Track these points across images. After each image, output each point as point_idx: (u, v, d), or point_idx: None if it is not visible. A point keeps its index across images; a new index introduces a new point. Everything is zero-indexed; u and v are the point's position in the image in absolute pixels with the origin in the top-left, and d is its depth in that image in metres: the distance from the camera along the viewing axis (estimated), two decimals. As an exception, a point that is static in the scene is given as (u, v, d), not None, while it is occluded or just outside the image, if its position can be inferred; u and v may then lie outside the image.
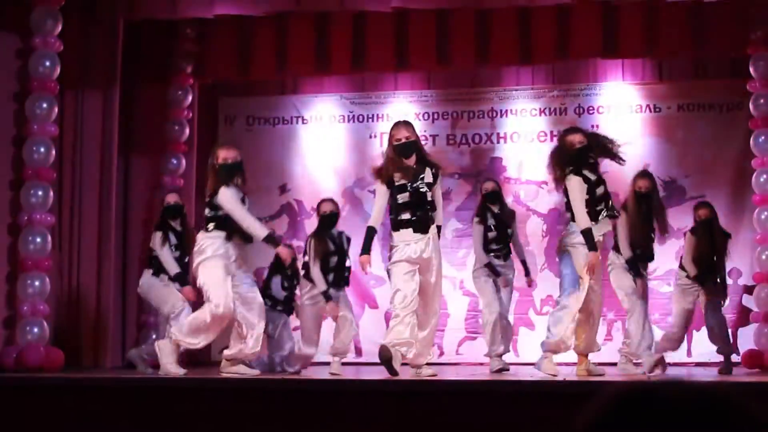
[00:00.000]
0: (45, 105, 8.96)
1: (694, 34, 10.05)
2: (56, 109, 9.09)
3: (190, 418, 5.60)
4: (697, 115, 11.29)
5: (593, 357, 8.85)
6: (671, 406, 1.41)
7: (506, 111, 11.78)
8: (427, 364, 8.03)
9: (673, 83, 11.45)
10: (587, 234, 7.85)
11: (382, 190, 7.78)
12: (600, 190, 8.24)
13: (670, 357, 10.95)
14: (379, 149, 11.91)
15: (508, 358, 11.24)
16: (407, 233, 7.66)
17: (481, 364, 11.11)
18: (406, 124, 8.00)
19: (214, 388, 6.08)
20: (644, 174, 9.28)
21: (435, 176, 7.83)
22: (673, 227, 11.21)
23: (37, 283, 8.76)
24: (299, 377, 7.66)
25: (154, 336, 10.57)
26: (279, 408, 5.51)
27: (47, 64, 9.00)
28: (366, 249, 7.76)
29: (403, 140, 7.78)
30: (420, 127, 11.89)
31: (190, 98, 11.10)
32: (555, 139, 11.61)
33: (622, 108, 11.56)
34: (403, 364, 7.78)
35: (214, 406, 5.64)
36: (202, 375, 7.98)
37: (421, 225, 7.69)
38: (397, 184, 7.71)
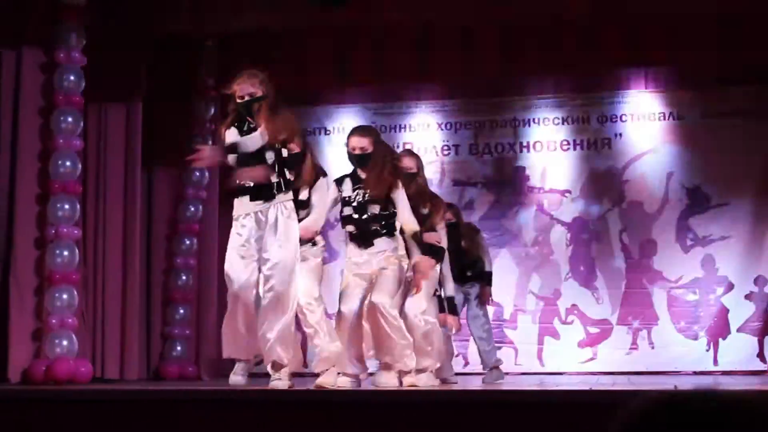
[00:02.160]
0: (70, 119, 8.99)
1: (718, 42, 10.02)
2: (81, 123, 9.12)
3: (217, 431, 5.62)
4: (721, 123, 11.26)
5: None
6: (702, 416, 1.41)
7: (529, 120, 11.79)
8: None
9: (697, 90, 11.42)
10: None
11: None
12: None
13: (697, 366, 10.96)
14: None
15: (534, 367, 11.28)
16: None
17: (507, 373, 11.11)
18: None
19: (241, 400, 6.09)
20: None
21: None
22: (698, 235, 11.22)
23: (65, 296, 8.79)
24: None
25: (179, 348, 10.63)
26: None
27: (72, 78, 9.03)
28: None
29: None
30: (442, 137, 11.94)
31: (212, 111, 11.12)
32: (578, 147, 11.65)
33: (645, 116, 11.54)
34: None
35: (240, 418, 5.66)
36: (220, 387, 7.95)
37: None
38: None
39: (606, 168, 11.58)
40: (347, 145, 7.47)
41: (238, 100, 6.83)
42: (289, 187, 6.96)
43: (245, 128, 6.91)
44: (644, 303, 11.26)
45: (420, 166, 8.26)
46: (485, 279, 9.55)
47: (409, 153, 8.65)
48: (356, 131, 7.65)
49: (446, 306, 8.51)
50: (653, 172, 11.47)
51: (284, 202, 6.88)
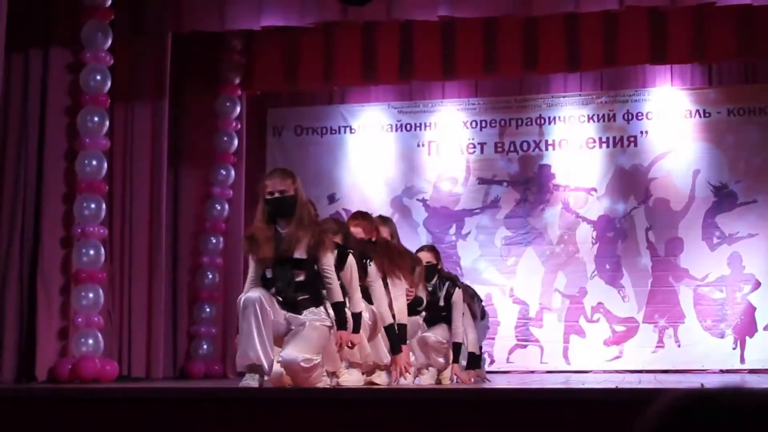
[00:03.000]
0: (96, 118, 9.03)
1: (744, 39, 9.97)
2: (107, 123, 9.16)
3: (244, 430, 5.63)
4: (748, 120, 11.23)
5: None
6: (729, 414, 1.40)
7: (554, 118, 11.77)
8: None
9: (723, 88, 11.39)
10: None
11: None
12: None
13: (724, 364, 10.92)
14: (427, 158, 11.98)
15: (560, 365, 11.26)
16: None
17: (533, 371, 11.10)
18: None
19: (267, 399, 6.09)
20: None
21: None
22: (725, 233, 11.17)
23: (91, 295, 8.82)
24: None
25: (205, 346, 10.66)
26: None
27: (98, 78, 9.06)
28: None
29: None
30: (468, 135, 11.93)
31: (238, 109, 11.15)
32: (604, 145, 11.62)
33: (671, 113, 11.51)
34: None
35: (270, 418, 5.66)
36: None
37: None
38: None
39: (632, 166, 11.55)
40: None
41: (268, 196, 6.68)
42: None
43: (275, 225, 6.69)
44: (670, 301, 11.22)
45: (393, 232, 7.93)
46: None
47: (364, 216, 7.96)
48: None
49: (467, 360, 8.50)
50: (679, 170, 11.43)
51: None
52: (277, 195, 6.50)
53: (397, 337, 7.27)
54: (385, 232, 7.79)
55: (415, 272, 7.92)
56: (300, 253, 6.48)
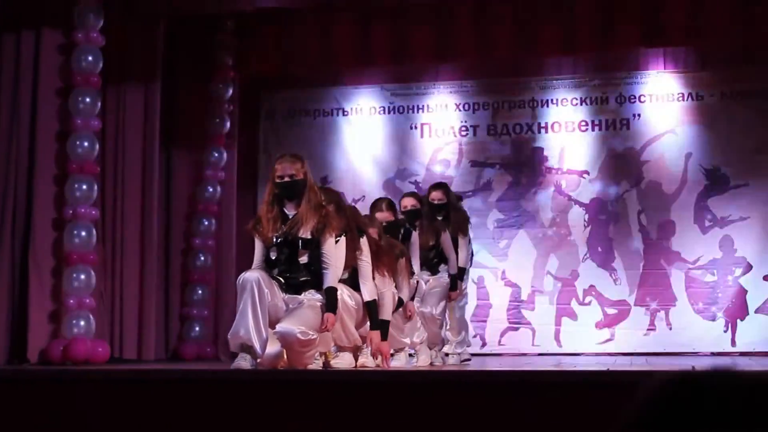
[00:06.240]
0: (88, 100, 9.00)
1: (737, 21, 9.95)
2: (99, 104, 9.13)
3: (235, 411, 5.63)
4: (740, 103, 11.22)
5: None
6: (720, 396, 1.40)
7: (547, 101, 11.76)
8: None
9: (716, 71, 11.38)
10: None
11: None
12: None
13: (715, 347, 10.95)
14: (419, 140, 11.98)
15: (552, 348, 11.28)
16: None
17: (525, 354, 11.12)
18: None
19: (259, 381, 6.11)
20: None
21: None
22: (716, 216, 11.19)
23: (82, 276, 8.80)
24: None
25: (197, 328, 10.66)
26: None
27: (90, 59, 9.03)
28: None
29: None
30: (461, 118, 11.92)
31: (231, 92, 11.12)
32: (597, 128, 11.61)
33: (664, 96, 11.50)
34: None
35: (260, 400, 5.67)
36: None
37: None
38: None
39: (624, 149, 11.55)
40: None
41: (277, 180, 6.77)
42: None
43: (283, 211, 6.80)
44: (662, 284, 11.24)
45: (380, 233, 7.98)
46: None
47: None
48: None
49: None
50: (672, 153, 11.43)
51: None
52: (286, 179, 6.64)
53: (377, 313, 7.28)
54: (374, 234, 7.79)
55: (398, 264, 7.94)
56: (305, 235, 6.55)
